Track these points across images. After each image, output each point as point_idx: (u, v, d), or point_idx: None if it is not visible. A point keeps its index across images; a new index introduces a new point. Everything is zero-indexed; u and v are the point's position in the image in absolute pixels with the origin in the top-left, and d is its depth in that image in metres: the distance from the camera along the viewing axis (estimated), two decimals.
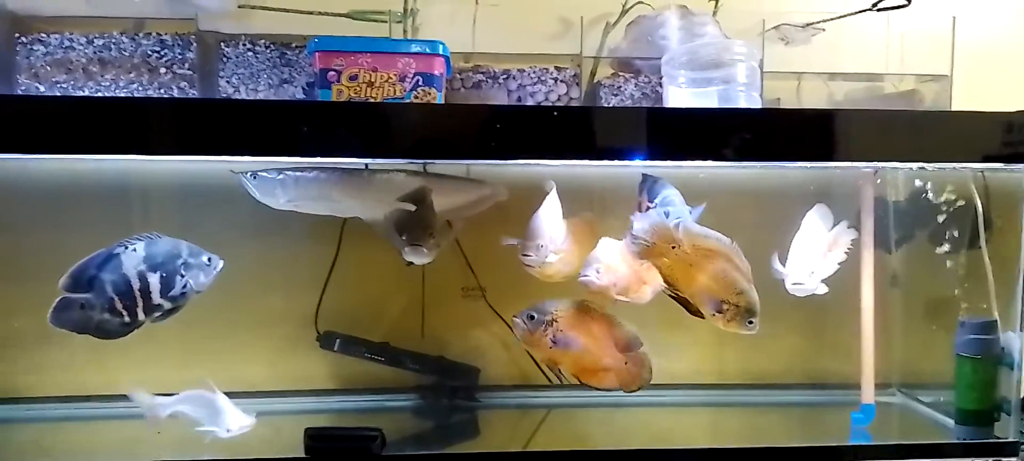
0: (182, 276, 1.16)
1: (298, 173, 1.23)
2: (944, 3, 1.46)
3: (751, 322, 1.18)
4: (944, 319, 1.42)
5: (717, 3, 1.42)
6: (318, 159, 1.19)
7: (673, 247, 1.18)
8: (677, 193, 1.21)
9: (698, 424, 1.49)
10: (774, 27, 1.39)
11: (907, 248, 1.49)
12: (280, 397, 1.45)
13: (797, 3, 1.41)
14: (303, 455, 1.16)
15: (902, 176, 1.48)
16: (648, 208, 1.23)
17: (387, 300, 1.49)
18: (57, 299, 1.12)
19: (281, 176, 1.22)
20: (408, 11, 1.33)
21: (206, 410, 1.21)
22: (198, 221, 1.39)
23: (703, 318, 1.18)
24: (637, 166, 1.37)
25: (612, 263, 1.23)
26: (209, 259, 1.17)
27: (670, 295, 1.19)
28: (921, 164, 1.25)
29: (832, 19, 1.42)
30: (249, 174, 1.23)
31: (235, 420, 1.20)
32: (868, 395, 1.37)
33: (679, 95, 1.23)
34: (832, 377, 1.51)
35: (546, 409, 1.47)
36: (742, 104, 1.21)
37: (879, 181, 1.42)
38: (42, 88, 1.20)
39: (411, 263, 1.20)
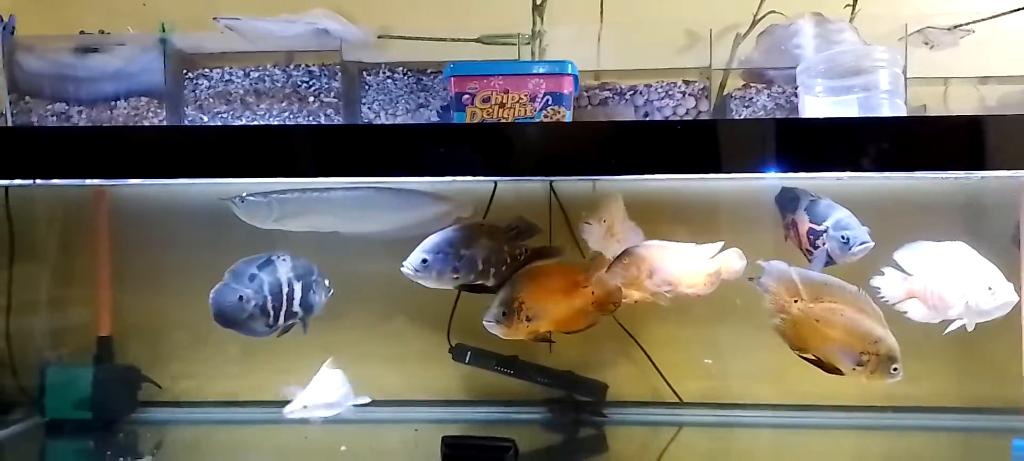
0: (313, 292, 1.26)
1: (282, 194, 1.30)
2: None
3: (895, 369, 1.12)
4: None
5: (854, 8, 1.37)
6: (450, 177, 1.24)
7: (796, 301, 1.16)
8: (850, 214, 1.18)
9: (839, 447, 1.42)
10: (917, 31, 1.32)
11: None
12: (415, 406, 1.51)
13: (942, 5, 1.34)
14: None
15: None
16: (811, 229, 1.20)
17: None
18: (221, 283, 1.22)
19: (267, 198, 1.30)
20: (536, 33, 1.37)
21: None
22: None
23: (842, 374, 1.14)
24: (771, 178, 1.35)
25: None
26: (328, 284, 1.28)
27: (802, 356, 1.16)
28: None
29: (983, 20, 1.33)
30: (237, 198, 1.30)
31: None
32: None
33: (816, 105, 1.19)
34: (991, 401, 1.41)
35: (676, 427, 1.45)
36: (885, 112, 1.16)
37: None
38: (206, 118, 1.31)
39: None
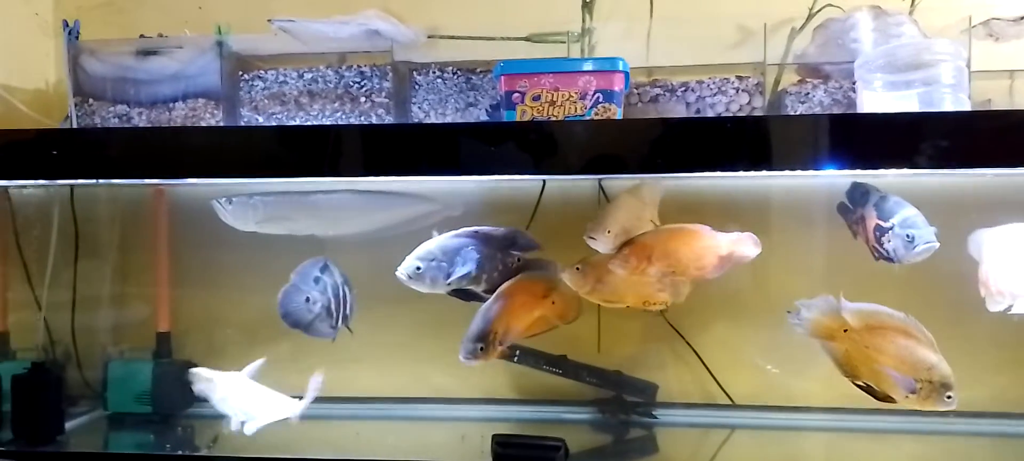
0: (352, 294, 1.31)
1: (265, 197, 1.33)
2: None
3: (949, 397, 1.09)
4: None
5: (914, 1, 1.33)
6: (496, 176, 1.24)
7: (845, 330, 1.14)
8: (918, 213, 1.15)
9: (896, 453, 1.38)
10: (981, 22, 1.28)
11: None
12: (464, 404, 1.52)
13: None
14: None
15: None
16: (877, 225, 1.17)
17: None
18: (288, 285, 1.27)
19: (252, 200, 1.32)
20: (585, 30, 1.37)
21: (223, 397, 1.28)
22: (385, 233, 1.47)
23: (894, 402, 1.12)
24: (828, 176, 1.32)
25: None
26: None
27: (855, 384, 1.14)
28: None
29: None
30: (224, 200, 1.32)
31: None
32: None
33: (875, 99, 1.16)
34: None
35: (729, 429, 1.43)
36: (948, 107, 1.12)
37: None
38: (261, 119, 1.34)
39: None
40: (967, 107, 1.16)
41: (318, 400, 1.52)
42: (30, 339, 1.50)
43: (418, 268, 1.18)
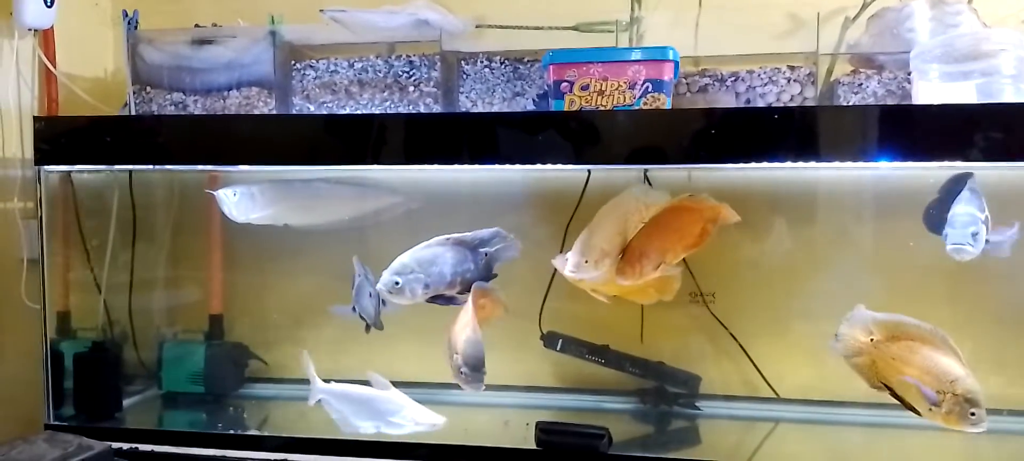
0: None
1: (263, 188, 1.35)
2: None
3: (973, 413, 1.05)
4: None
5: None
6: (538, 165, 1.25)
7: (871, 339, 1.13)
8: (972, 213, 1.13)
9: (941, 448, 1.35)
10: None
11: None
12: (506, 391, 1.53)
13: None
14: (534, 447, 1.22)
15: None
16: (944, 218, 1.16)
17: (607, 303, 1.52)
18: (358, 283, 1.31)
19: (251, 191, 1.35)
20: (633, 19, 1.36)
21: (359, 406, 1.28)
22: (425, 223, 1.51)
23: (919, 414, 1.09)
24: (874, 168, 1.30)
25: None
26: None
27: (892, 394, 1.12)
28: None
29: None
30: (231, 192, 1.34)
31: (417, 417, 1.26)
32: None
33: (931, 90, 1.14)
34: None
35: (773, 423, 1.42)
36: (1008, 98, 1.10)
37: None
38: (312, 107, 1.37)
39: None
40: None
41: (362, 383, 1.56)
42: (90, 319, 1.56)
43: (397, 282, 1.21)
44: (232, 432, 1.37)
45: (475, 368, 1.19)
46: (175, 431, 1.36)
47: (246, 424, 1.45)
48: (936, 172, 1.22)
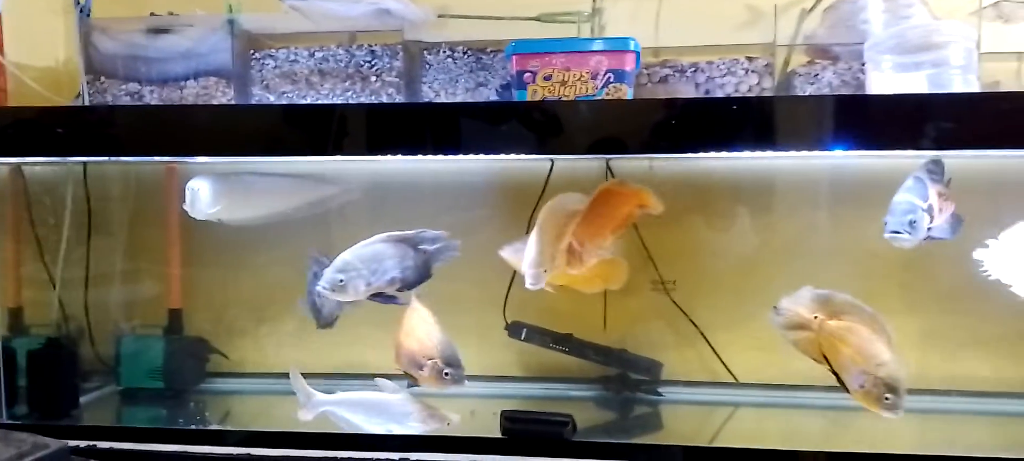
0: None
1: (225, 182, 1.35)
2: None
3: (887, 398, 1.08)
4: None
5: None
6: (509, 155, 1.25)
7: (815, 316, 1.15)
8: (910, 200, 1.13)
9: (896, 430, 1.39)
10: (991, 4, 1.28)
11: None
12: (472, 381, 1.52)
13: None
14: (499, 435, 1.22)
15: None
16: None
17: (571, 292, 1.53)
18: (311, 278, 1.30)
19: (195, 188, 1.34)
20: (595, 10, 1.37)
21: (369, 413, 1.28)
22: (390, 214, 1.51)
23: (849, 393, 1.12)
24: (830, 157, 1.33)
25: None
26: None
27: (830, 369, 1.14)
28: None
29: None
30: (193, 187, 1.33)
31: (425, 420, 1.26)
32: None
33: (884, 81, 1.17)
34: None
35: (732, 407, 1.45)
36: (957, 88, 1.13)
37: None
38: (272, 97, 1.35)
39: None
40: (976, 89, 1.16)
41: (324, 377, 1.55)
42: (44, 315, 1.52)
43: (340, 280, 1.21)
44: (193, 427, 1.35)
45: (457, 365, 1.21)
46: (134, 427, 1.34)
47: (207, 419, 1.43)
48: (891, 160, 1.25)
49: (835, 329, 1.13)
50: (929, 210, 1.13)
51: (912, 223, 1.11)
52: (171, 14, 1.41)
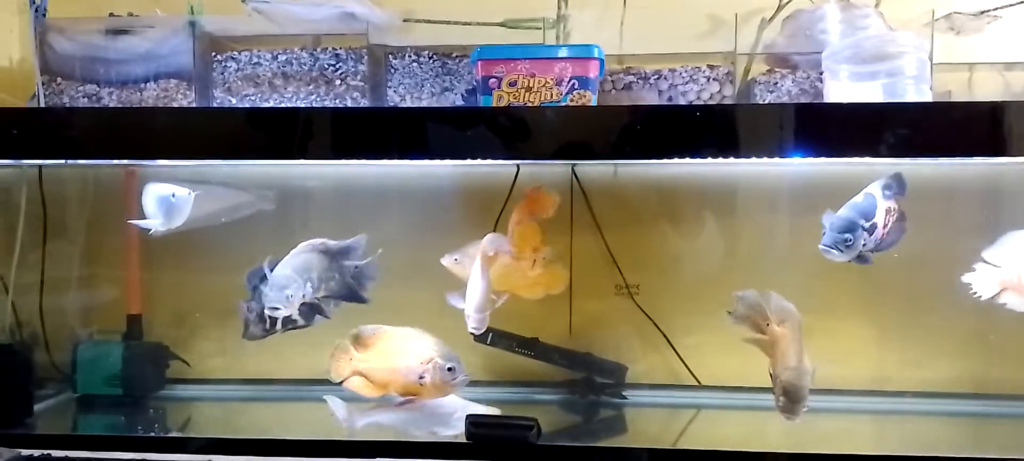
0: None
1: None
2: None
3: (780, 401, 1.14)
4: None
5: None
6: (474, 161, 1.26)
7: (767, 323, 1.20)
8: (849, 216, 1.17)
9: (855, 432, 1.44)
10: (944, 16, 1.32)
11: None
12: None
13: None
14: (464, 441, 1.22)
15: None
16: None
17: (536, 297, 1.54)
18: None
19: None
20: (560, 17, 1.38)
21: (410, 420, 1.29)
22: (356, 218, 1.51)
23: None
24: (793, 164, 1.36)
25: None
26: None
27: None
28: None
29: (1010, 5, 1.33)
30: (171, 195, 1.32)
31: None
32: None
33: (841, 90, 1.19)
34: (1009, 388, 1.42)
35: (695, 409, 1.47)
36: (910, 97, 1.16)
37: None
38: (234, 100, 1.33)
39: None
40: (928, 98, 1.20)
41: (287, 382, 1.53)
42: None
43: (289, 296, 1.23)
44: (152, 435, 1.33)
45: (456, 360, 1.25)
46: (90, 435, 1.31)
47: (167, 426, 1.41)
48: (850, 167, 1.28)
49: (779, 333, 1.19)
50: (871, 228, 1.17)
51: (846, 243, 1.15)
52: (131, 15, 1.39)
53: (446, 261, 1.32)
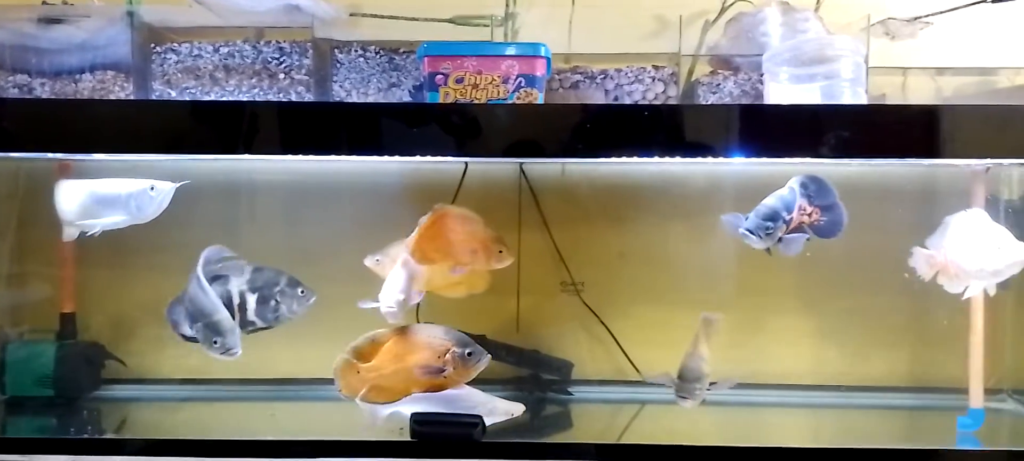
0: (277, 302, 1.28)
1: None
2: None
3: (673, 385, 1.26)
4: None
5: None
6: (423, 158, 1.25)
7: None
8: (771, 204, 1.20)
9: (794, 424, 1.48)
10: (879, 22, 1.36)
11: None
12: None
13: None
14: (408, 439, 1.22)
15: (1017, 173, 1.43)
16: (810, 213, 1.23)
17: (484, 294, 1.54)
18: (175, 298, 1.26)
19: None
20: (508, 14, 1.38)
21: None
22: (302, 216, 1.50)
23: None
24: (735, 163, 1.38)
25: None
26: (303, 291, 1.29)
27: None
28: None
29: (941, 13, 1.38)
30: (149, 188, 1.27)
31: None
32: (977, 400, 1.32)
33: (781, 91, 1.22)
34: (938, 381, 1.47)
35: (640, 404, 1.49)
36: (847, 99, 1.20)
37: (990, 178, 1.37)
38: (174, 93, 1.30)
39: None
40: (864, 100, 1.23)
41: (234, 382, 1.50)
42: None
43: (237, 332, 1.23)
44: (86, 436, 1.28)
45: (474, 345, 1.24)
46: (19, 438, 1.26)
47: (101, 428, 1.36)
48: (789, 167, 1.31)
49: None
50: (788, 221, 1.21)
51: (767, 230, 1.19)
52: (65, 3, 1.34)
53: (368, 262, 1.30)
